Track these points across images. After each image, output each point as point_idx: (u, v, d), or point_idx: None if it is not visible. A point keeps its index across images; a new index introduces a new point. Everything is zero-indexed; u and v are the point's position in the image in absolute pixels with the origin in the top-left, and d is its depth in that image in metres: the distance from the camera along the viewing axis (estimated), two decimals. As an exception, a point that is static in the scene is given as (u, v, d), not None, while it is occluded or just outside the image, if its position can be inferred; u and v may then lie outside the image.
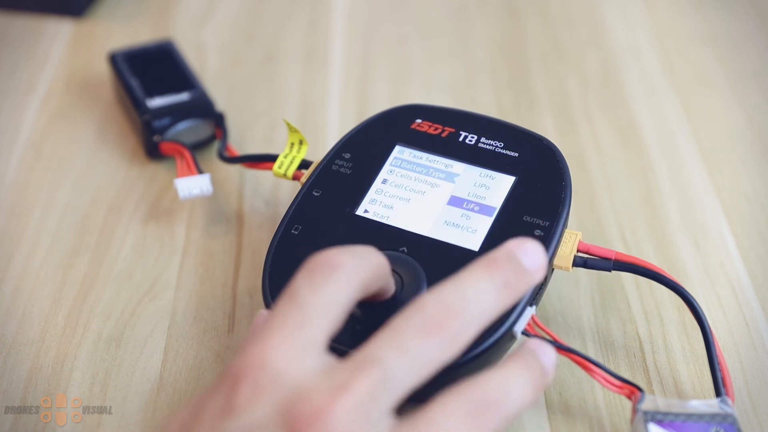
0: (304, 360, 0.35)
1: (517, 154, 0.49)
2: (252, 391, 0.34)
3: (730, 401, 0.42)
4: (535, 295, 0.44)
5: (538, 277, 0.38)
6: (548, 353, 0.37)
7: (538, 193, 0.47)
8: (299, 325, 0.35)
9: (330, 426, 0.33)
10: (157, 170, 0.58)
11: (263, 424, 0.33)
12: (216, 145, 0.58)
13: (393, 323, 0.36)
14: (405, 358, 0.35)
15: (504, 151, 0.49)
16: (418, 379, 0.35)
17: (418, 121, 0.51)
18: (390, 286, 0.42)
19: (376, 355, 0.35)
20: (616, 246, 0.52)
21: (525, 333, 0.43)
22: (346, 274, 0.37)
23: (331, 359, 0.36)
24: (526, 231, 0.45)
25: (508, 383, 0.36)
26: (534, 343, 0.38)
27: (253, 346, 0.35)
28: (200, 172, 0.54)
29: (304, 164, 0.51)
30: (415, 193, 0.48)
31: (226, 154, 0.55)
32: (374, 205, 0.47)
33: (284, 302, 0.36)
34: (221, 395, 0.35)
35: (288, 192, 0.56)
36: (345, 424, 0.33)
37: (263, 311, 0.42)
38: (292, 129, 0.52)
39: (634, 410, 0.42)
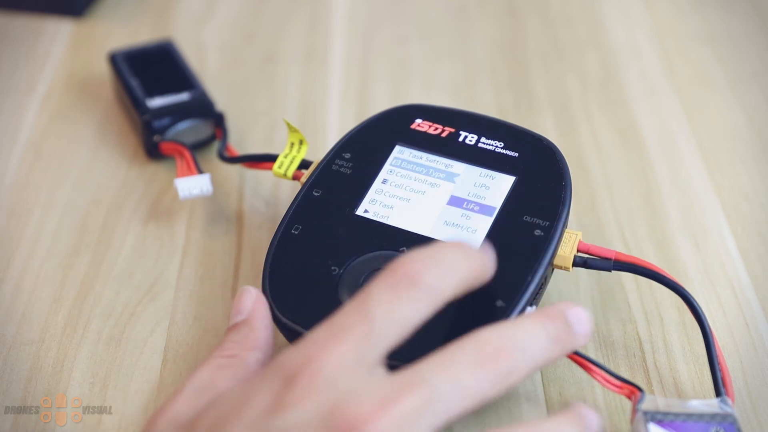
0: (359, 370, 0.35)
1: (517, 154, 0.49)
2: (304, 391, 0.34)
3: (730, 401, 0.42)
4: (535, 295, 0.44)
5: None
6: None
7: (538, 193, 0.47)
8: (364, 337, 0.35)
9: None
10: (157, 170, 0.58)
11: (306, 423, 0.33)
12: (216, 145, 0.58)
13: (448, 349, 0.36)
14: (453, 385, 0.35)
15: (504, 151, 0.49)
16: (461, 409, 0.35)
17: (418, 121, 0.51)
18: (488, 277, 0.40)
19: (427, 376, 0.35)
20: (616, 246, 0.52)
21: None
22: (427, 293, 0.36)
23: (383, 372, 0.36)
24: (526, 231, 0.45)
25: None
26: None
27: (310, 348, 0.35)
28: (200, 172, 0.54)
29: (304, 164, 0.51)
30: (415, 193, 0.48)
31: (226, 154, 0.55)
32: (374, 205, 0.47)
33: (355, 308, 0.36)
34: (270, 390, 0.34)
35: (288, 192, 0.56)
36: None
37: (250, 287, 0.42)
38: (292, 129, 0.52)
39: (634, 410, 0.42)
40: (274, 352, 0.42)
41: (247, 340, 0.41)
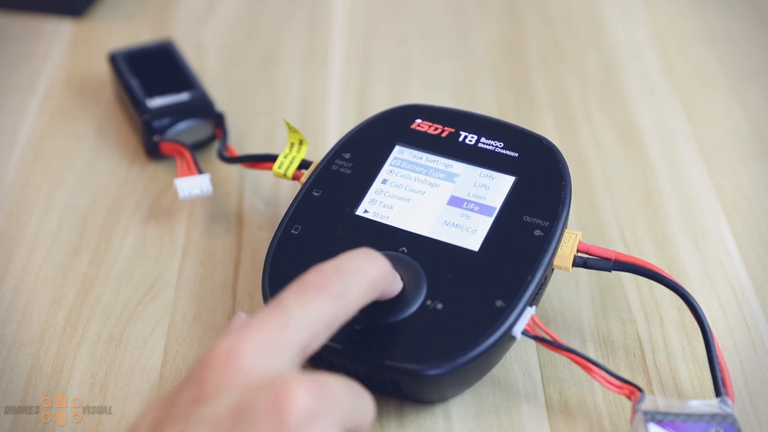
0: (274, 360, 0.36)
1: (517, 154, 0.49)
2: (220, 378, 0.35)
3: (730, 401, 0.42)
4: (535, 296, 0.44)
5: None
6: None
7: (538, 193, 0.47)
8: (278, 328, 0.36)
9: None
10: (157, 170, 0.58)
11: (223, 414, 0.34)
12: (216, 145, 0.58)
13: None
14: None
15: (504, 151, 0.49)
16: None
17: (418, 121, 0.51)
18: (393, 288, 0.42)
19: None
20: (616, 246, 0.52)
21: (525, 333, 0.43)
22: (336, 296, 0.38)
23: (297, 365, 0.36)
24: (526, 231, 0.45)
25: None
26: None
27: (225, 340, 0.36)
28: (200, 172, 0.54)
29: (304, 164, 0.51)
30: (415, 193, 0.48)
31: (226, 154, 0.55)
32: (374, 205, 0.47)
33: (269, 307, 0.37)
34: (191, 386, 0.35)
35: (288, 192, 0.56)
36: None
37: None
38: (292, 129, 0.52)
39: (634, 410, 0.42)
40: None
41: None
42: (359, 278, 0.39)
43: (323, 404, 0.34)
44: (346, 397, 0.36)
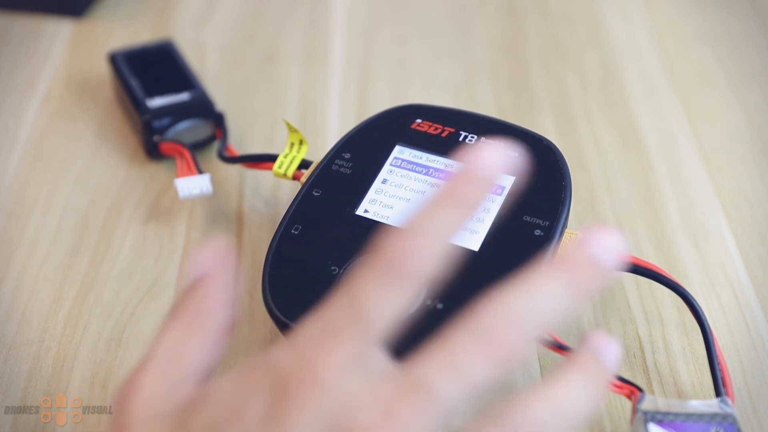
0: (358, 372, 0.33)
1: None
2: (303, 400, 0.32)
3: (730, 401, 0.42)
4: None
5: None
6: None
7: (538, 193, 0.47)
8: (360, 335, 0.33)
9: None
10: (157, 170, 0.58)
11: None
12: (216, 145, 0.58)
13: (449, 338, 0.34)
14: (457, 384, 0.33)
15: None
16: (467, 402, 0.33)
17: (418, 121, 0.51)
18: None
19: (428, 377, 0.33)
20: (616, 246, 0.52)
21: (525, 333, 0.43)
22: (412, 279, 0.34)
23: (383, 367, 0.34)
24: (526, 231, 0.45)
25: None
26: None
27: (306, 347, 0.33)
28: (200, 172, 0.54)
29: (304, 164, 0.51)
30: (415, 193, 0.48)
31: (226, 154, 0.55)
32: (374, 205, 0.47)
33: (346, 303, 0.34)
34: (265, 395, 0.33)
35: (288, 192, 0.56)
36: None
37: (210, 242, 0.38)
38: (292, 129, 0.52)
39: (634, 410, 0.42)
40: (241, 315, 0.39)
41: (210, 299, 0.37)
42: (434, 259, 0.35)
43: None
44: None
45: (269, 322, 0.48)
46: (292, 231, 0.47)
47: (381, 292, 0.34)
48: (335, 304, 0.34)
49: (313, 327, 0.34)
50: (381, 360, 0.34)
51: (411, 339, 0.42)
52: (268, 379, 0.33)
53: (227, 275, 0.38)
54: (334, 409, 0.32)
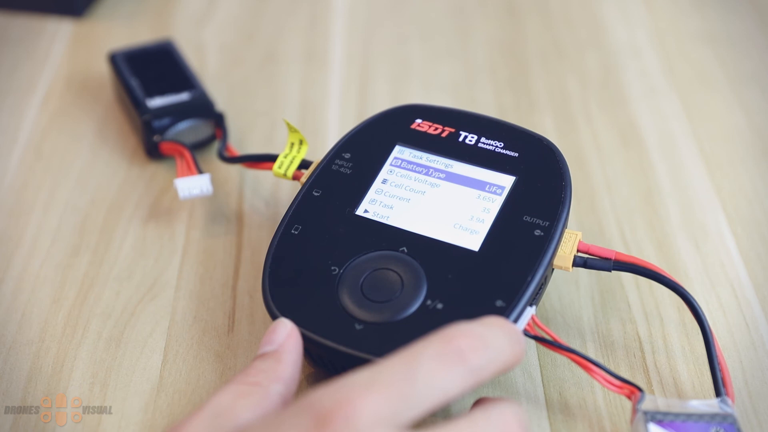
0: (389, 428, 0.34)
1: (517, 154, 0.49)
2: None
3: (730, 401, 0.42)
4: (535, 295, 0.44)
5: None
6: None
7: (538, 193, 0.47)
8: (404, 396, 0.34)
9: None
10: (157, 170, 0.58)
11: None
12: (216, 145, 0.58)
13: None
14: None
15: (504, 151, 0.49)
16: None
17: (418, 121, 0.51)
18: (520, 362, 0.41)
19: None
20: (616, 246, 0.52)
21: (525, 333, 0.43)
22: (472, 372, 0.36)
23: None
24: (526, 231, 0.45)
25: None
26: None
27: (348, 391, 0.34)
28: (200, 172, 0.54)
29: (304, 164, 0.51)
30: (415, 193, 0.48)
31: (226, 154, 0.55)
32: (374, 205, 0.47)
33: (400, 365, 0.35)
34: (303, 427, 0.34)
35: (288, 192, 0.56)
36: None
37: (286, 320, 0.42)
38: (292, 129, 0.52)
39: (634, 410, 0.42)
40: (297, 389, 0.41)
41: (273, 372, 0.40)
42: (500, 358, 0.37)
43: None
44: None
45: (269, 322, 0.48)
46: (292, 231, 0.47)
47: (440, 370, 0.35)
48: (389, 362, 0.35)
49: (359, 375, 0.35)
50: (410, 427, 0.35)
51: (411, 339, 0.43)
52: (305, 415, 0.34)
53: (296, 354, 0.41)
54: None
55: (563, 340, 0.45)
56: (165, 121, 0.57)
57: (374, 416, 0.34)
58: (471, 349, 0.36)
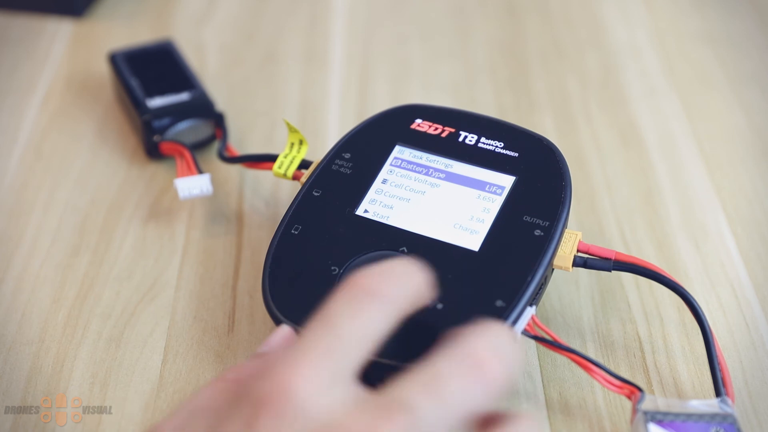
0: (333, 391, 0.33)
1: (517, 154, 0.49)
2: (275, 422, 0.32)
3: (730, 401, 0.42)
4: (535, 295, 0.44)
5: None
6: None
7: (538, 193, 0.47)
8: (331, 353, 0.34)
9: None
10: (157, 170, 0.58)
11: None
12: (216, 145, 0.58)
13: (430, 363, 0.34)
14: (437, 405, 0.33)
15: (504, 151, 0.49)
16: (448, 427, 0.33)
17: (418, 121, 0.51)
18: (428, 298, 0.40)
19: (408, 399, 0.33)
20: (616, 246, 0.52)
21: (525, 333, 0.43)
22: (387, 304, 0.35)
23: (359, 391, 0.34)
24: (526, 231, 0.45)
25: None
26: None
27: (279, 371, 0.33)
28: (200, 172, 0.54)
29: (304, 164, 0.51)
30: (415, 193, 0.48)
31: (226, 154, 0.55)
32: (374, 205, 0.47)
33: (318, 327, 0.35)
34: (240, 420, 0.33)
35: (288, 192, 0.56)
36: None
37: (287, 327, 0.42)
38: (292, 129, 0.52)
39: (634, 410, 0.42)
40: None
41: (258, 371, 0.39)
42: (410, 282, 0.37)
43: None
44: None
45: (269, 322, 0.48)
46: (292, 231, 0.47)
47: (357, 313, 0.35)
48: (308, 328, 0.35)
49: (288, 352, 0.34)
50: (354, 378, 0.34)
51: (410, 339, 0.43)
52: (244, 403, 0.33)
53: None
54: (309, 426, 0.32)
55: (563, 340, 0.45)
56: (165, 121, 0.57)
57: (312, 386, 0.33)
58: (377, 283, 0.36)
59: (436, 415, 0.33)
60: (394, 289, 0.36)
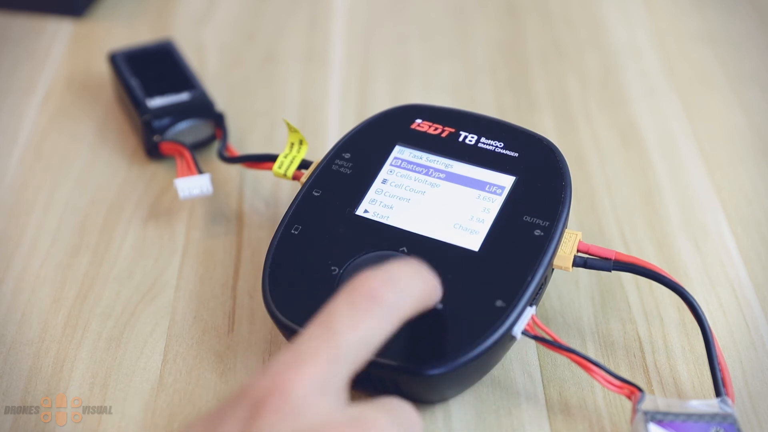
0: (325, 397, 0.34)
1: (517, 154, 0.49)
2: (274, 418, 0.33)
3: (730, 401, 0.42)
4: (535, 295, 0.44)
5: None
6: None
7: (538, 193, 0.47)
8: (330, 360, 0.35)
9: None
10: (157, 170, 0.58)
11: None
12: (216, 145, 0.58)
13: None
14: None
15: (504, 151, 0.49)
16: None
17: (418, 121, 0.51)
18: (436, 300, 0.41)
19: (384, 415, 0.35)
20: (616, 246, 0.52)
21: (525, 333, 0.43)
22: (389, 310, 0.36)
23: (344, 398, 0.35)
24: (526, 231, 0.45)
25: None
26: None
27: (279, 371, 0.34)
28: (200, 172, 0.54)
29: (304, 164, 0.51)
30: (415, 193, 0.48)
31: (226, 154, 0.55)
32: (374, 205, 0.47)
33: (319, 330, 0.35)
34: (240, 416, 0.34)
35: (288, 192, 0.56)
36: None
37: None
38: (292, 129, 0.52)
39: (634, 410, 0.42)
40: None
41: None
42: (412, 289, 0.37)
43: None
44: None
45: (269, 322, 0.48)
46: (292, 231, 0.47)
47: (358, 320, 0.35)
48: (308, 331, 0.36)
49: (286, 353, 0.35)
50: (346, 385, 0.35)
51: (411, 339, 0.43)
52: (242, 403, 0.34)
53: None
54: (303, 427, 0.33)
55: (563, 340, 0.45)
56: (165, 121, 0.57)
57: (308, 389, 0.34)
58: (380, 287, 0.36)
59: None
60: (397, 295, 0.36)
